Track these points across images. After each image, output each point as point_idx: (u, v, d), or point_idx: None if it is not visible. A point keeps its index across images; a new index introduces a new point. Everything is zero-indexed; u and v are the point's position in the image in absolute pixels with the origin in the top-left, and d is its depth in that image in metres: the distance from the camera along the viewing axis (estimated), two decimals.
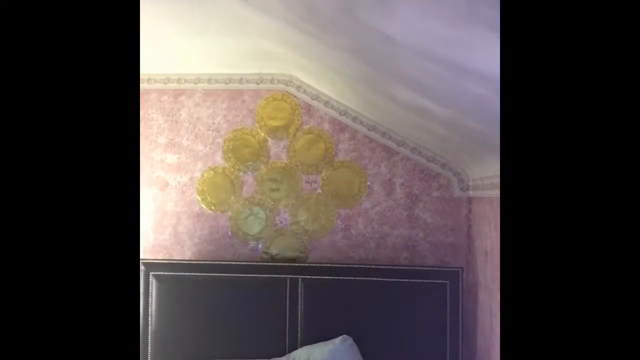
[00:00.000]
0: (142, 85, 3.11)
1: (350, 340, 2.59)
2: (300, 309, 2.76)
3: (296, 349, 2.73)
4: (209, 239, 3.10)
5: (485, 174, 2.48)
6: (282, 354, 2.73)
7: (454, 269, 2.69)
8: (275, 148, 3.10)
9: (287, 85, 3.06)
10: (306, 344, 2.70)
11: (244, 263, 2.87)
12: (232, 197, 3.09)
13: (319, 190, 3.05)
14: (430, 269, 2.75)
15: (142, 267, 2.81)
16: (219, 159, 3.12)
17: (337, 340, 2.59)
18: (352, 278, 2.72)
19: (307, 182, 3.07)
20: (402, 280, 2.69)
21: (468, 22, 1.10)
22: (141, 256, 2.99)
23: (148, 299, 2.81)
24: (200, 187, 3.11)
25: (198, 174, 3.12)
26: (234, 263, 2.85)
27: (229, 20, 2.26)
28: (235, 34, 2.44)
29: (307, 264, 2.87)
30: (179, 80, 3.13)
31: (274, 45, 2.51)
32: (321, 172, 3.05)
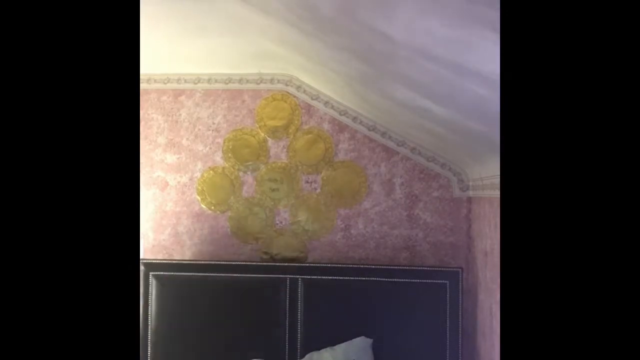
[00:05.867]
0: (142, 85, 3.11)
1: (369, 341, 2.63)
2: (300, 309, 2.76)
3: (296, 348, 2.73)
4: (208, 239, 3.10)
5: (485, 174, 2.48)
6: (282, 353, 2.73)
7: (454, 269, 2.68)
8: (275, 148, 3.10)
9: (287, 85, 3.06)
10: (306, 344, 2.70)
11: (244, 263, 2.87)
12: (232, 197, 3.09)
13: (319, 190, 3.05)
14: (430, 269, 2.75)
15: (142, 267, 2.81)
16: (218, 159, 3.11)
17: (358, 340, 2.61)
18: (352, 278, 2.72)
19: (307, 182, 3.07)
20: (402, 280, 2.69)
21: (468, 22, 1.11)
22: (141, 256, 2.99)
23: (148, 299, 2.81)
24: (200, 187, 3.11)
25: (198, 174, 3.12)
26: (234, 263, 2.85)
27: (229, 20, 2.25)
28: (235, 34, 2.44)
29: (307, 264, 2.87)
30: (179, 80, 3.13)
31: (274, 45, 2.51)
32: (321, 172, 3.05)
